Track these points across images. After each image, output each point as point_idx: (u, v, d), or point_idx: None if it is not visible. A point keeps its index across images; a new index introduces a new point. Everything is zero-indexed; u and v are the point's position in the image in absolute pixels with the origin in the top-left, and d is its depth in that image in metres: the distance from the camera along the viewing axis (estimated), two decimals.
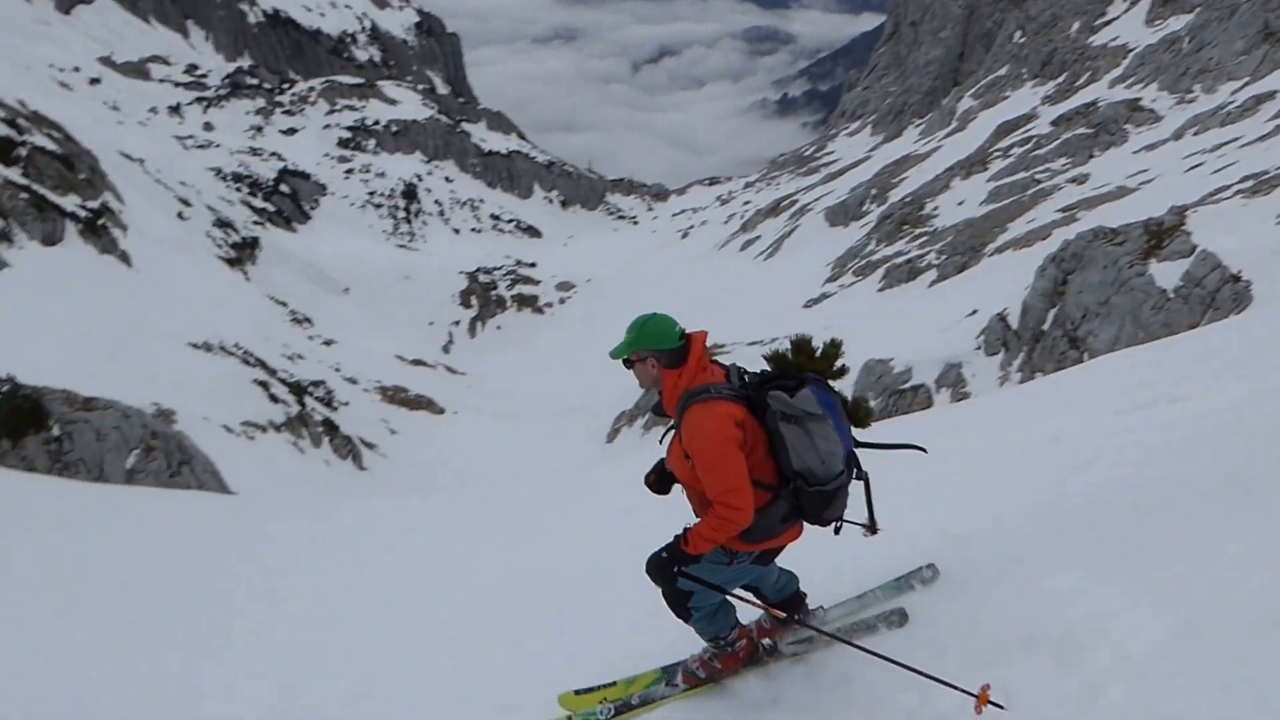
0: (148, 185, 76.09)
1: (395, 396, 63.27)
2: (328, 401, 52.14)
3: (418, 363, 77.10)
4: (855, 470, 5.21)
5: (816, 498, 4.95)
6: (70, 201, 56.85)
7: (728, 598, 5.59)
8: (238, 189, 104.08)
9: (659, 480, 5.57)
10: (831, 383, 5.89)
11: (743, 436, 4.91)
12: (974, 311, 37.67)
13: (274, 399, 44.06)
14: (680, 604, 5.53)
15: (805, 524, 5.22)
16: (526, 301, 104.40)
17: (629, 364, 5.43)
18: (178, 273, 63.05)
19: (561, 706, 6.33)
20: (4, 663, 10.73)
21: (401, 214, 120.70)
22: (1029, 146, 67.83)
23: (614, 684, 6.40)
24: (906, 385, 34.50)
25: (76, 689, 9.69)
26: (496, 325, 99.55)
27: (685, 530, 5.14)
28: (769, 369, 5.57)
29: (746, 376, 5.25)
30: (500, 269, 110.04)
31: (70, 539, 17.35)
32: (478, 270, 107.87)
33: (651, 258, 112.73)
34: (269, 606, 12.63)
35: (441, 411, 63.22)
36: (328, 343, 70.33)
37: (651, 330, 5.21)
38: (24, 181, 54.50)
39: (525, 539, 15.07)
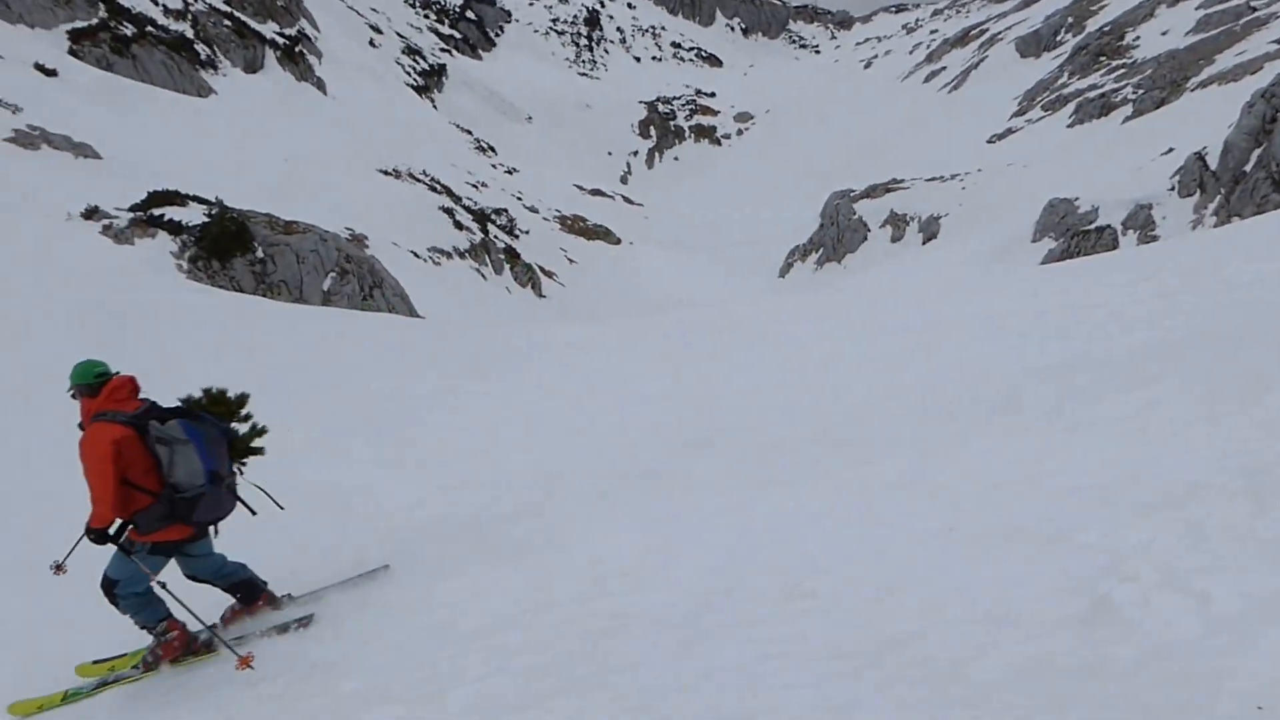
0: (341, 11, 77.53)
1: (574, 226, 64.12)
2: (509, 229, 53.28)
3: (596, 192, 77.64)
4: (226, 484, 6.66)
5: (184, 504, 6.36)
6: (269, 29, 58.59)
7: (155, 591, 6.62)
8: (425, 15, 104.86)
9: None
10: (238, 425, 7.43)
11: (116, 453, 6.15)
12: (1169, 150, 35.72)
13: (459, 226, 45.27)
14: (109, 590, 6.58)
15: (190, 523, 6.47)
16: (704, 132, 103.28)
17: (73, 395, 6.52)
18: (369, 100, 64.64)
19: (77, 675, 7.00)
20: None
21: (584, 41, 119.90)
22: None
23: (124, 655, 7.11)
24: (1091, 226, 33.13)
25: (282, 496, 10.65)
26: (674, 156, 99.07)
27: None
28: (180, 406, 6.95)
29: (154, 411, 6.50)
30: (679, 99, 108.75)
31: (276, 352, 18.71)
32: (657, 100, 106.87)
33: (833, 89, 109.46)
34: (450, 421, 13.36)
35: (618, 241, 63.82)
36: (510, 171, 71.37)
37: (76, 372, 6.44)
38: (226, 8, 56.33)
39: (694, 366, 15.17)
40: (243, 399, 7.56)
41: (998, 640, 4.08)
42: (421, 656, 5.86)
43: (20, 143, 29.33)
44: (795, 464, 8.20)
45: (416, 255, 39.18)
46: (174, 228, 26.75)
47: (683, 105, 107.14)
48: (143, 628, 6.75)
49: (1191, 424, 6.18)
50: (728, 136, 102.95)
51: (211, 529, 6.78)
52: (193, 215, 27.40)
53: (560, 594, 6.28)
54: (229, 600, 7.27)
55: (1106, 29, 70.04)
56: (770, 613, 5.06)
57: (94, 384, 6.47)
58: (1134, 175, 35.22)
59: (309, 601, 7.41)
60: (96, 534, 6.25)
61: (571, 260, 56.10)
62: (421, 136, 63.92)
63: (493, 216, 52.87)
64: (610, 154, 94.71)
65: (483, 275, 43.17)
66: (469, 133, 75.68)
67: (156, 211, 27.27)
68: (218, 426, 6.81)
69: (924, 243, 47.07)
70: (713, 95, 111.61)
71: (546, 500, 8.99)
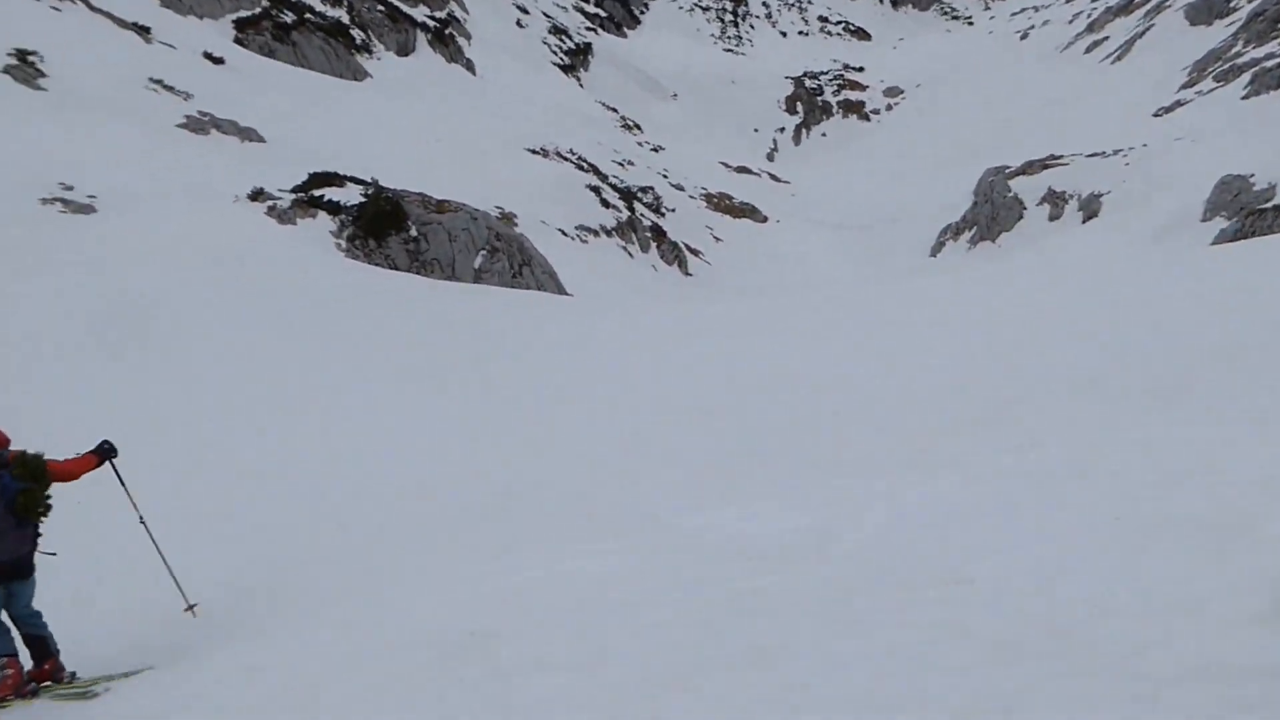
0: None
1: (720, 203, 63.84)
2: (656, 207, 53.38)
3: (742, 170, 77.11)
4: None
5: None
6: (420, 12, 59.91)
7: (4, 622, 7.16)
8: None
9: None
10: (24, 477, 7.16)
11: None
12: None
13: (605, 204, 45.56)
14: None
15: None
16: (853, 108, 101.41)
17: None
18: (516, 79, 65.53)
19: None
20: (375, 429, 12.20)
21: (729, 17, 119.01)
22: None
23: None
24: (1268, 204, 31.42)
25: (428, 456, 10.84)
26: (822, 132, 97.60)
27: None
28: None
29: None
30: (827, 74, 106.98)
31: (431, 327, 19.17)
32: (804, 75, 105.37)
33: (986, 61, 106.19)
34: (600, 399, 13.50)
35: (765, 219, 63.30)
36: (656, 149, 71.44)
37: None
38: None
39: (850, 345, 14.92)
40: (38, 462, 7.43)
41: (1173, 634, 3.87)
42: (574, 628, 5.88)
43: (191, 128, 30.66)
44: (955, 447, 8.01)
45: (564, 233, 39.59)
46: (333, 208, 27.60)
47: (830, 80, 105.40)
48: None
49: None
50: (877, 112, 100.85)
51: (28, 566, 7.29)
52: (350, 195, 28.21)
53: (713, 572, 6.25)
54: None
55: None
56: (926, 598, 4.95)
57: None
58: None
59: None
60: None
61: (717, 238, 55.91)
62: (568, 115, 64.50)
63: (639, 194, 53.03)
64: (756, 131, 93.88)
65: (629, 253, 43.37)
66: (615, 110, 76.01)
67: (316, 192, 28.17)
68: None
69: (1084, 221, 45.34)
70: (861, 70, 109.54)
71: (699, 477, 8.95)
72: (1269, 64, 55.30)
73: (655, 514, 8.04)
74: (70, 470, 7.43)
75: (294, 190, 28.22)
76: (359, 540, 8.87)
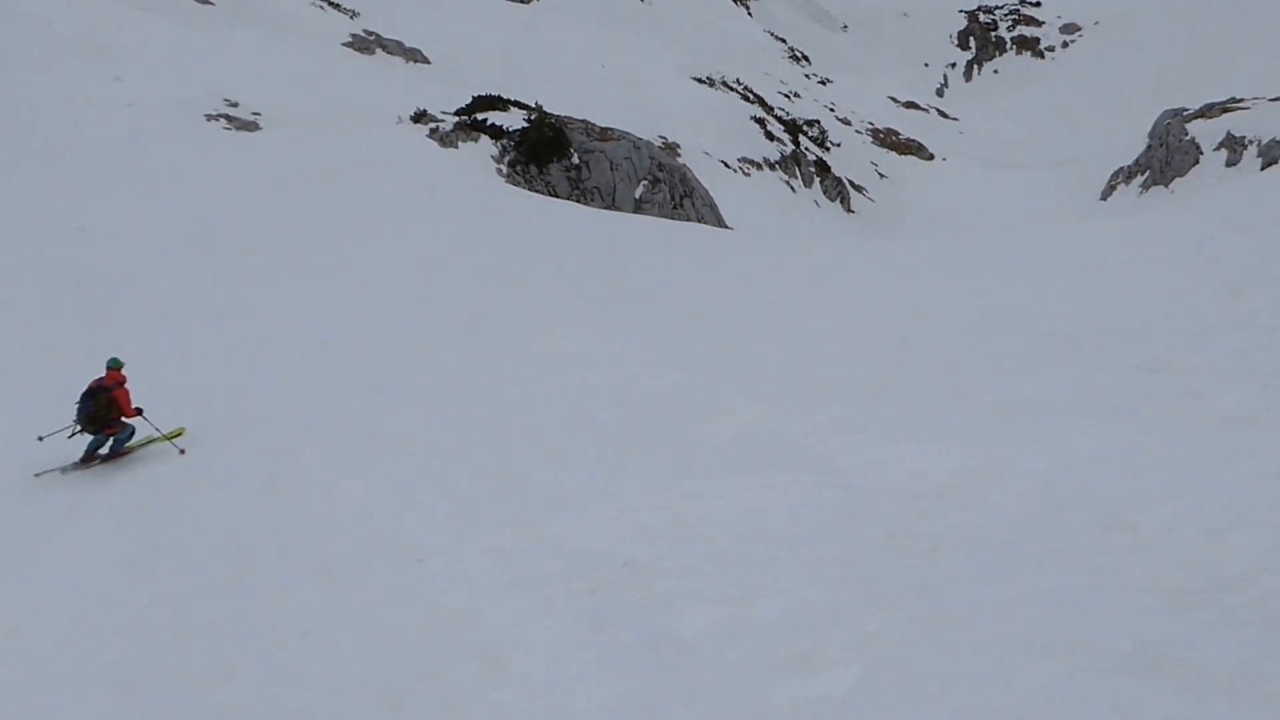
0: None
1: (886, 139, 61.92)
2: (821, 141, 51.93)
3: (910, 105, 74.65)
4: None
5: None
6: None
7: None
8: None
9: None
10: None
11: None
12: None
13: (770, 137, 44.40)
14: (119, 442, 12.16)
15: None
16: (1027, 44, 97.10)
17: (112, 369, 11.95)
18: (686, 6, 64.43)
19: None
20: (555, 351, 11.75)
21: None
22: None
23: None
24: None
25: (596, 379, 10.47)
26: (994, 69, 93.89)
27: None
28: None
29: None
30: (1002, 8, 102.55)
31: (587, 258, 18.61)
32: (978, 9, 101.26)
33: None
34: (769, 336, 12.90)
35: (931, 157, 61.20)
36: (823, 81, 69.60)
37: (112, 361, 11.84)
38: None
39: (1006, 284, 14.52)
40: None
41: None
42: (734, 561, 5.89)
43: (357, 47, 30.61)
44: (1124, 393, 7.74)
45: (727, 165, 38.68)
46: (495, 132, 27.24)
47: (1005, 15, 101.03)
48: (119, 447, 12.02)
49: None
50: (1052, 49, 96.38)
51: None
52: (513, 120, 27.80)
53: (878, 510, 6.26)
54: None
55: None
56: (1088, 543, 4.86)
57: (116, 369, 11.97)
58: None
59: None
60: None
61: (882, 175, 54.23)
62: (736, 44, 63.22)
63: (804, 128, 51.62)
64: (927, 65, 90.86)
65: (792, 188, 42.28)
66: (783, 41, 74.21)
67: (480, 116, 27.84)
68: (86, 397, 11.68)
69: (1263, 168, 42.51)
70: (1038, 4, 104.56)
71: (862, 413, 8.77)
72: None
73: (813, 447, 8.00)
74: (124, 409, 11.80)
75: (457, 113, 27.94)
76: (559, 449, 8.91)
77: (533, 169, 27.03)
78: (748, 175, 39.63)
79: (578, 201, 26.89)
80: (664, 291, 16.01)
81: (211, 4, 30.04)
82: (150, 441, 11.91)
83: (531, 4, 47.60)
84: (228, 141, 22.91)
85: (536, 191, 26.24)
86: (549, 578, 6.35)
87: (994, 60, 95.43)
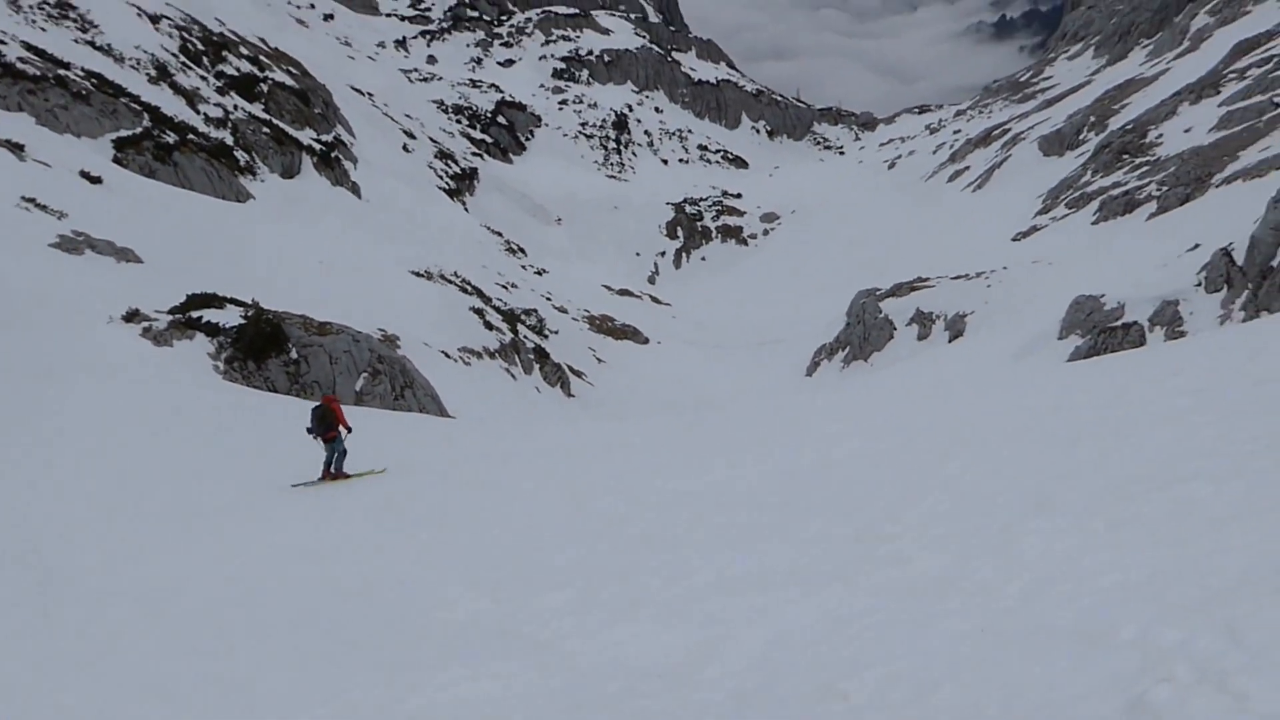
0: (376, 118, 79.59)
1: (602, 325, 64.71)
2: (539, 329, 53.85)
3: (624, 292, 78.47)
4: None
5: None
6: (306, 135, 60.29)
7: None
8: (458, 121, 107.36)
9: None
10: None
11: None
12: (1195, 246, 35.66)
13: (489, 326, 45.83)
14: (342, 457, 17.51)
15: None
16: (731, 232, 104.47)
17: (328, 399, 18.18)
18: (402, 203, 66.00)
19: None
20: (269, 549, 12.00)
21: (612, 144, 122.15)
22: (1269, 67, 62.38)
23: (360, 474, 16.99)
24: (1118, 323, 33.04)
25: (312, 582, 10.68)
26: (701, 256, 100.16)
27: None
28: None
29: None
30: (706, 200, 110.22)
31: (310, 453, 19.00)
32: (684, 201, 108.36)
33: (857, 189, 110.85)
34: (490, 522, 13.50)
35: (646, 341, 64.30)
36: (540, 272, 72.36)
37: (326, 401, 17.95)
38: (265, 116, 58.06)
39: (725, 462, 15.05)
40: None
41: None
42: None
43: (64, 248, 30.13)
44: (834, 563, 8.35)
45: (447, 355, 39.65)
46: (211, 329, 27.30)
47: (709, 206, 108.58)
48: (339, 464, 16.98)
49: (1229, 522, 6.31)
50: (754, 236, 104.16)
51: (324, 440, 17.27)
52: (230, 317, 27.96)
53: (605, 692, 6.43)
54: None
55: (1129, 127, 70.83)
56: (801, 713, 5.20)
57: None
58: (1160, 271, 35.23)
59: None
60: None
61: (600, 359, 56.54)
62: (453, 238, 65.08)
63: (522, 317, 53.52)
64: (638, 254, 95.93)
65: (512, 375, 43.56)
66: (499, 234, 76.96)
67: (195, 314, 27.84)
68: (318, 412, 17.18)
69: (950, 340, 46.99)
70: (739, 196, 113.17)
71: (585, 598, 9.10)
72: (1115, 192, 59.03)
73: (537, 635, 8.21)
74: (339, 419, 17.19)
75: (171, 311, 27.86)
76: (244, 667, 8.63)
77: (251, 365, 27.16)
78: (468, 365, 40.70)
79: (297, 395, 27.12)
80: (387, 483, 16.62)
81: None
82: (363, 474, 17.33)
83: (246, 203, 47.97)
84: None
85: (255, 387, 26.36)
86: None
87: (702, 248, 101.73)
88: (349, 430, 17.25)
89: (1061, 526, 7.48)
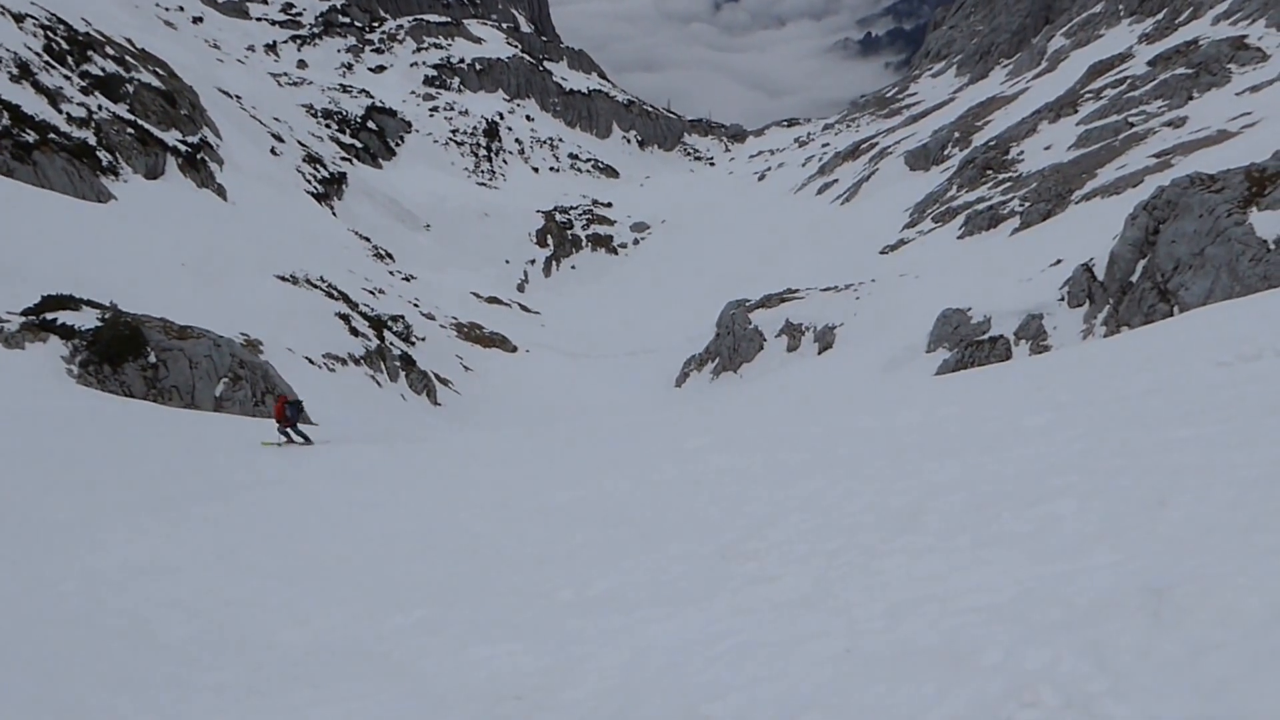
0: (244, 121, 77.92)
1: (470, 333, 64.54)
2: (406, 336, 53.49)
3: (493, 300, 78.32)
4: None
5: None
6: (172, 136, 58.80)
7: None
8: (327, 125, 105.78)
9: None
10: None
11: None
12: (1058, 261, 36.80)
13: (355, 332, 45.42)
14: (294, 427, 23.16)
15: None
16: (601, 242, 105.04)
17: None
18: (269, 206, 64.77)
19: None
20: (126, 562, 11.90)
21: (483, 152, 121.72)
22: (1123, 88, 65.07)
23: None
24: (984, 336, 34.00)
25: (169, 592, 10.59)
26: (571, 265, 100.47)
27: None
28: None
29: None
30: (577, 208, 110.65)
31: (163, 461, 18.82)
32: (554, 209, 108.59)
33: (727, 200, 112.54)
34: (347, 536, 13.35)
35: (515, 349, 64.24)
36: (408, 278, 71.79)
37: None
38: (129, 117, 56.49)
39: (590, 476, 15.36)
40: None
41: None
42: None
43: None
44: (697, 581, 8.28)
45: (311, 361, 39.24)
46: (66, 332, 26.64)
47: (580, 214, 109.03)
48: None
49: (1093, 540, 6.26)
50: (624, 246, 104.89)
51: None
52: (86, 320, 27.32)
53: (460, 716, 6.40)
54: None
55: (992, 144, 73.06)
56: None
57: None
58: (1024, 286, 36.20)
59: None
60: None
61: (467, 368, 56.40)
62: (320, 243, 64.10)
63: (389, 323, 53.11)
64: (508, 262, 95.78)
65: (378, 382, 43.24)
66: (367, 240, 76.13)
67: (49, 316, 27.11)
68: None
69: (820, 352, 47.73)
70: (609, 205, 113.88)
71: (442, 616, 9.07)
72: (979, 206, 61.01)
73: (392, 655, 8.10)
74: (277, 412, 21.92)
75: (24, 313, 27.13)
76: (73, 689, 8.41)
77: (106, 369, 26.63)
78: (333, 371, 40.34)
79: (154, 401, 26.70)
80: (242, 495, 16.57)
81: None
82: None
83: (108, 204, 46.74)
84: None
85: (110, 392, 25.86)
86: None
87: (571, 256, 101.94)
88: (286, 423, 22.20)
89: (928, 544, 7.40)
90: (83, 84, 55.45)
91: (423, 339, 55.26)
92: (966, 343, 34.34)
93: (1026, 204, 55.29)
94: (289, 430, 22.33)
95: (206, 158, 61.06)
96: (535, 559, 10.46)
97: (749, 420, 20.67)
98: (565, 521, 12.01)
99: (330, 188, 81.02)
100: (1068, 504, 7.21)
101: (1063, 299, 33.17)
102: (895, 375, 35.77)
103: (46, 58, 54.21)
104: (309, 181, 78.24)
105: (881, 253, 66.38)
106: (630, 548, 10.05)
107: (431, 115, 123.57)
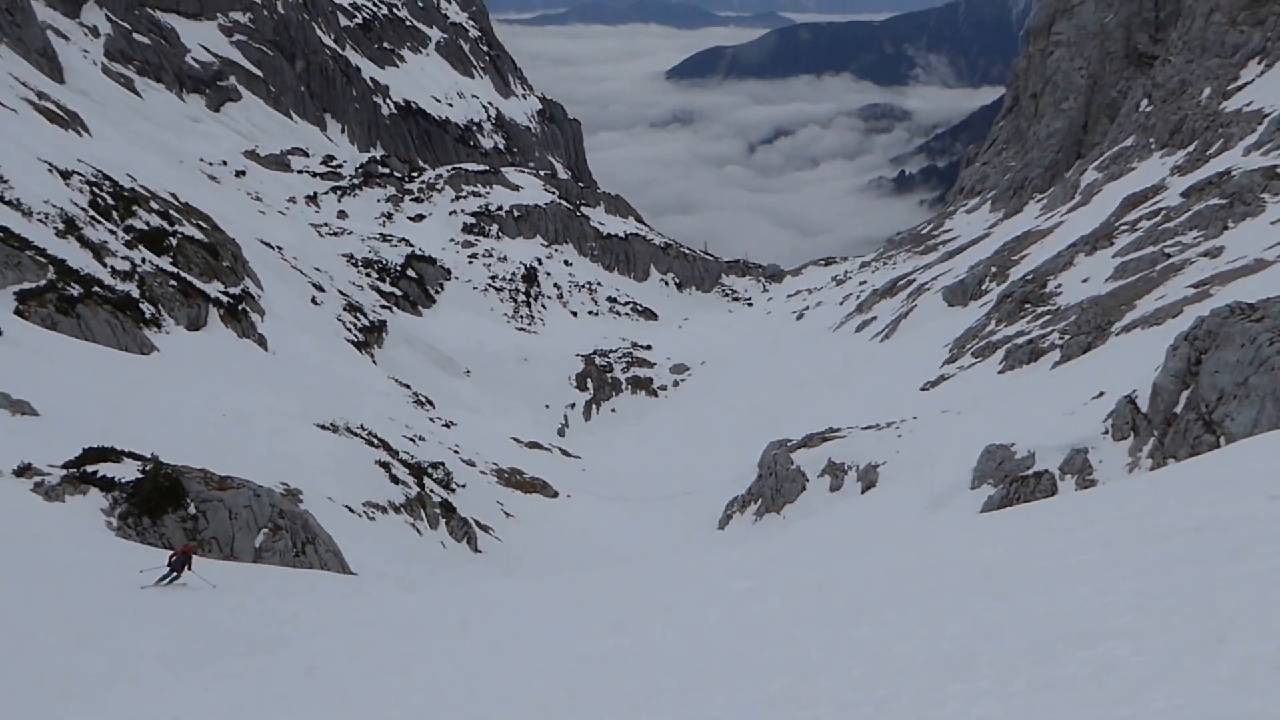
0: (285, 271, 79.67)
1: (511, 479, 64.32)
2: (446, 483, 53.36)
3: (534, 445, 78.30)
4: None
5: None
6: (214, 288, 60.11)
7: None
8: (367, 274, 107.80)
9: None
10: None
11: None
12: (1100, 394, 36.48)
13: (395, 480, 45.39)
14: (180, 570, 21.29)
15: None
16: (641, 384, 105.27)
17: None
18: (309, 355, 65.73)
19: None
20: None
21: (521, 297, 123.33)
22: (1158, 219, 65.07)
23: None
24: (1029, 471, 33.49)
25: None
26: (611, 408, 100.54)
27: None
28: None
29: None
30: (616, 351, 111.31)
31: (203, 615, 18.55)
32: (594, 352, 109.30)
33: (766, 339, 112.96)
34: (387, 691, 13.31)
35: (555, 494, 63.87)
36: (448, 424, 72.02)
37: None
38: (173, 269, 57.92)
39: (635, 622, 15.15)
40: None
41: None
42: None
43: None
44: None
45: (351, 510, 39.11)
46: (106, 484, 26.71)
47: (619, 357, 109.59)
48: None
49: (1151, 683, 6.17)
50: (664, 387, 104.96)
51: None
52: (126, 471, 27.40)
53: None
54: None
55: (1029, 277, 72.88)
56: None
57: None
58: (1068, 419, 35.80)
59: None
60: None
61: (508, 514, 56.02)
62: (360, 391, 64.71)
63: (429, 470, 53.06)
64: (548, 407, 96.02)
65: (418, 530, 42.99)
66: (407, 387, 76.71)
67: (90, 468, 27.24)
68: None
69: (863, 491, 46.87)
70: (649, 347, 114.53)
71: None
72: (1019, 340, 60.70)
73: None
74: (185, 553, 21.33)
75: (65, 466, 27.24)
76: None
77: (146, 521, 26.56)
78: (373, 519, 40.17)
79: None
80: (282, 649, 16.25)
81: None
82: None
83: (150, 355, 47.45)
84: None
85: (150, 544, 25.72)
86: None
87: (611, 399, 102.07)
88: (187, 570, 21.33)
89: (983, 689, 7.27)
90: (127, 238, 57.04)
91: (463, 485, 55.06)
92: (1011, 479, 33.89)
93: (1066, 337, 54.98)
94: (177, 572, 21.40)
95: (248, 308, 62.21)
96: (576, 710, 10.30)
97: (794, 561, 20.31)
98: (607, 670, 11.80)
99: (370, 335, 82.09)
100: (1124, 646, 7.07)
101: (1106, 432, 32.74)
102: (940, 513, 35.27)
103: (92, 213, 55.90)
104: (349, 330, 79.34)
105: (922, 389, 65.98)
106: (673, 699, 9.83)
107: (470, 262, 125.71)
